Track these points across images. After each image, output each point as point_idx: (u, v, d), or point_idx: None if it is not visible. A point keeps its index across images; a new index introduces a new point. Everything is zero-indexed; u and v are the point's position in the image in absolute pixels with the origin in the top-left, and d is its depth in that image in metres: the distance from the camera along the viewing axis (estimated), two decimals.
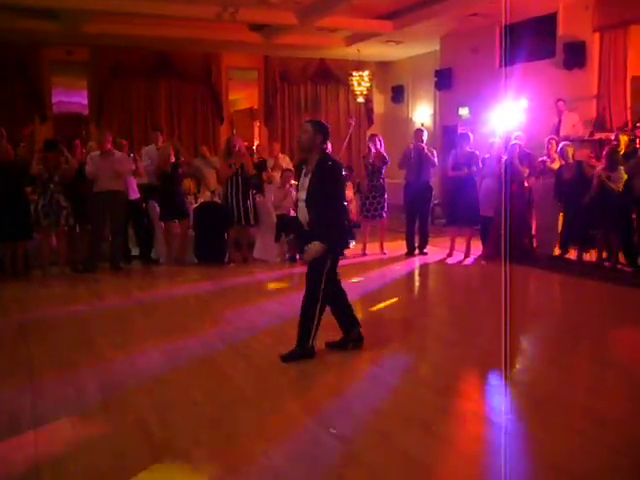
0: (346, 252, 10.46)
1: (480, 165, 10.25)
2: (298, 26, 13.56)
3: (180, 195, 10.26)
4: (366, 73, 16.12)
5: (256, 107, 18.48)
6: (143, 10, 12.16)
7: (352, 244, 10.36)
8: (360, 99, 16.72)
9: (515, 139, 10.12)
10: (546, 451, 3.79)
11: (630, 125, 10.82)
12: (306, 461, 3.73)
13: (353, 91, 16.56)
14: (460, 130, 12.94)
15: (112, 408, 4.57)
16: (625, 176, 8.99)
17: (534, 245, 10.19)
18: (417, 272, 9.95)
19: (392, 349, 5.92)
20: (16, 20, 12.54)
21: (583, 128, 11.43)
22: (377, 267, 10.00)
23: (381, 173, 10.61)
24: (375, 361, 5.52)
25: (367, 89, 16.47)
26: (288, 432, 4.15)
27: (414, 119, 17.34)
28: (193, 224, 10.29)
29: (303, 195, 5.39)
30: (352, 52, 16.00)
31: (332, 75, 17.74)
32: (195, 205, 10.63)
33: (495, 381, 5.05)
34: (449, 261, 10.28)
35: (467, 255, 10.37)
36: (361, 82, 16.15)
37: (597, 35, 11.76)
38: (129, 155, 10.27)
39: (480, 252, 10.38)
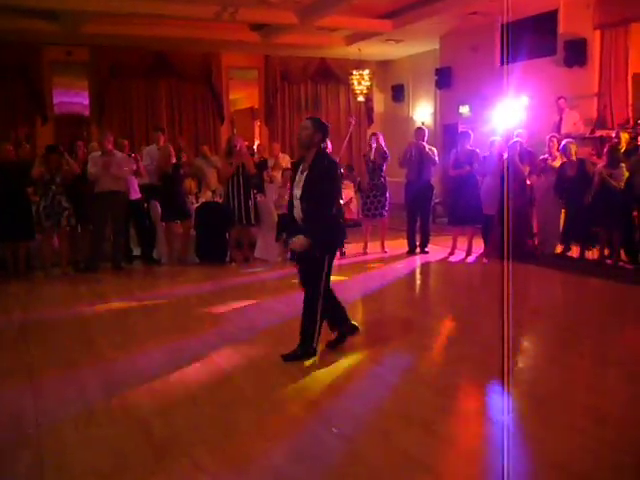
0: (347, 251, 10.61)
1: (481, 163, 10.24)
2: (298, 25, 13.54)
3: (182, 195, 10.27)
4: (366, 72, 16.11)
5: (256, 107, 18.47)
6: (143, 10, 12.15)
7: (345, 247, 10.37)
8: (360, 98, 16.70)
9: (516, 136, 10.10)
10: (547, 450, 3.78)
11: (631, 122, 10.81)
12: (307, 460, 3.73)
13: (353, 90, 16.54)
14: (461, 128, 12.92)
15: (113, 408, 4.57)
16: (626, 173, 8.98)
17: (536, 243, 10.18)
18: (418, 271, 9.95)
19: (393, 348, 5.92)
20: (16, 21, 12.53)
21: (584, 126, 11.42)
22: (378, 266, 10.00)
23: (382, 171, 10.60)
24: (376, 360, 5.52)
25: (367, 88, 16.45)
26: (289, 431, 4.15)
27: (414, 118, 17.33)
28: (194, 224, 10.30)
29: (298, 192, 5.39)
30: (352, 51, 15.99)
31: (332, 74, 17.73)
32: (196, 205, 10.63)
33: (496, 380, 5.04)
34: (450, 260, 10.27)
35: (469, 254, 10.36)
36: (361, 81, 16.13)
37: (598, 33, 11.74)
38: (130, 155, 10.27)
39: (482, 250, 10.37)
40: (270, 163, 11.77)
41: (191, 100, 16.46)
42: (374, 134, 10.99)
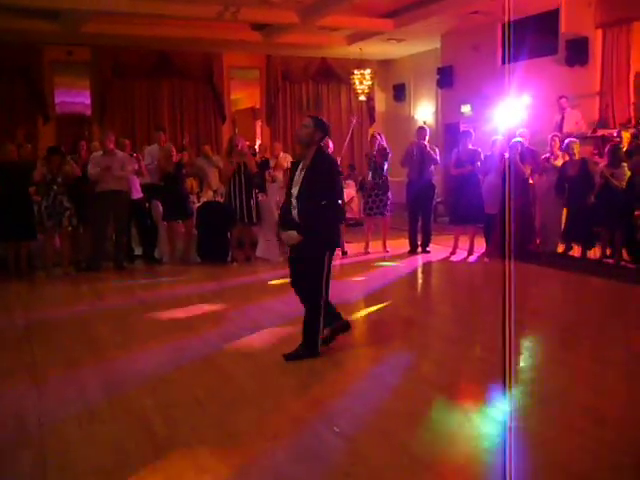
0: (348, 250, 10.62)
1: (482, 162, 10.24)
2: (299, 25, 13.56)
3: (183, 195, 10.27)
4: (367, 71, 16.12)
5: (258, 106, 18.48)
6: (144, 10, 12.16)
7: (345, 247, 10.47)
8: (362, 98, 16.71)
9: (519, 136, 10.10)
10: (547, 450, 3.78)
11: (633, 122, 10.80)
12: (308, 460, 3.73)
13: (355, 90, 16.55)
14: (462, 128, 12.92)
15: (116, 407, 4.58)
16: (628, 173, 8.97)
17: (537, 242, 10.18)
18: (420, 270, 9.94)
19: (395, 347, 5.92)
20: (17, 21, 12.56)
21: (586, 125, 11.41)
22: (380, 265, 10.00)
23: (383, 170, 10.59)
24: (378, 359, 5.52)
25: (369, 87, 16.46)
26: (291, 431, 4.15)
27: (416, 117, 17.33)
28: (196, 223, 10.30)
29: (296, 191, 5.37)
30: (353, 51, 15.99)
31: (334, 74, 17.74)
32: (198, 204, 10.64)
33: (497, 379, 5.04)
34: (452, 259, 10.27)
35: (470, 253, 10.36)
36: (363, 80, 16.14)
37: (600, 32, 11.74)
38: (132, 155, 10.27)
39: (483, 250, 10.38)
40: (272, 163, 11.76)
41: (193, 100, 16.47)
42: (377, 134, 10.97)
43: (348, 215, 11.49)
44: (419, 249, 10.74)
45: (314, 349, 5.45)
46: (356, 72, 16.12)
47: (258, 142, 17.16)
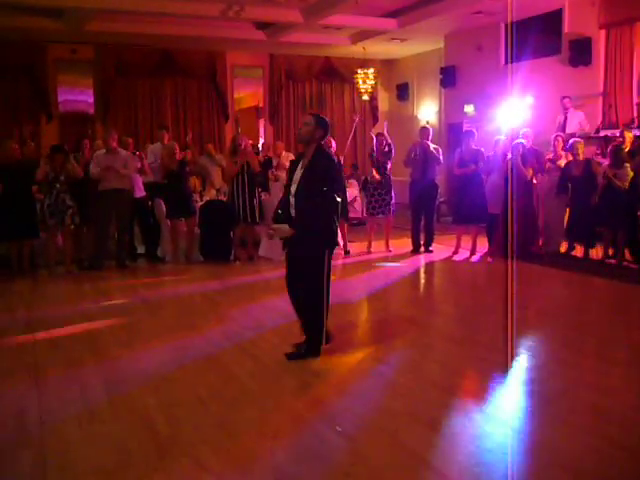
0: (351, 250, 10.63)
1: (485, 162, 10.24)
2: (303, 24, 13.56)
3: (187, 193, 10.28)
4: (371, 71, 16.11)
5: (261, 105, 18.48)
6: (148, 8, 12.16)
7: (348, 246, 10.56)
8: (365, 97, 16.70)
9: (522, 136, 10.08)
10: (553, 449, 3.78)
11: (636, 122, 10.79)
12: (311, 459, 3.73)
13: (358, 89, 16.54)
14: (465, 127, 12.92)
15: (118, 406, 4.58)
16: (631, 173, 8.96)
17: (540, 242, 10.17)
18: (422, 270, 9.93)
19: (397, 347, 5.91)
20: (21, 19, 12.57)
21: (589, 125, 11.40)
22: (382, 265, 9.99)
23: (386, 169, 10.59)
24: (380, 359, 5.52)
25: (372, 87, 16.46)
26: (293, 430, 4.15)
27: (419, 117, 17.33)
28: (199, 222, 10.31)
29: (294, 188, 5.36)
30: (357, 50, 15.98)
31: (337, 73, 17.74)
32: (201, 203, 10.64)
33: (501, 379, 5.04)
34: (455, 259, 10.27)
35: (473, 253, 10.35)
36: (366, 80, 16.13)
37: (603, 32, 11.73)
38: (134, 153, 10.28)
39: (486, 249, 10.38)
40: (274, 162, 11.77)
41: (196, 98, 16.47)
42: (378, 134, 10.97)
43: (351, 215, 11.48)
44: (422, 249, 10.73)
45: (317, 349, 5.45)
46: (359, 71, 16.12)
47: (261, 141, 17.18)
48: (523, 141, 9.83)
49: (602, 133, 11.06)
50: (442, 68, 15.55)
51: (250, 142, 11.21)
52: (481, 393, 4.76)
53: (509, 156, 9.67)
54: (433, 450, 3.83)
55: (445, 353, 5.79)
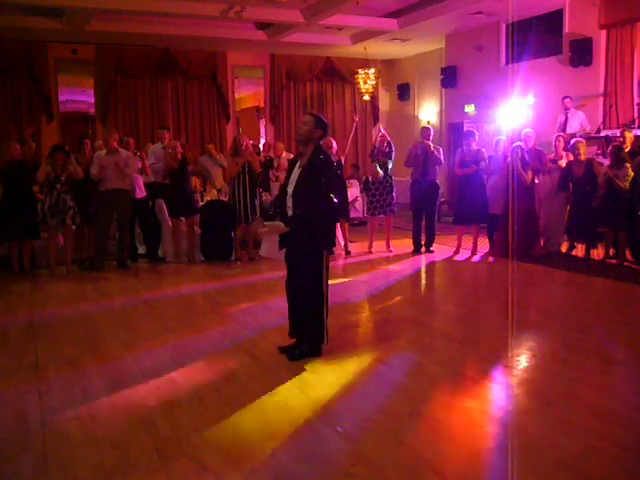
0: (352, 250, 10.63)
1: (486, 162, 10.24)
2: (304, 24, 13.55)
3: (189, 192, 10.29)
4: (372, 71, 16.10)
5: (262, 105, 18.47)
6: (149, 8, 12.16)
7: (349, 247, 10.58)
8: (366, 97, 16.70)
9: (523, 136, 10.08)
10: (553, 449, 3.78)
11: (637, 122, 10.79)
12: (312, 460, 3.73)
13: (359, 89, 16.53)
14: (466, 128, 12.92)
15: (118, 406, 4.58)
16: (632, 173, 8.96)
17: (541, 243, 10.17)
18: (423, 270, 9.93)
19: (399, 347, 5.91)
20: (21, 19, 12.57)
21: (589, 125, 11.40)
22: (383, 265, 10.00)
23: (387, 169, 10.59)
24: (381, 359, 5.52)
25: (373, 87, 16.45)
26: (294, 430, 4.14)
27: (420, 117, 17.33)
28: (200, 222, 10.32)
29: (291, 189, 5.34)
30: (358, 50, 15.97)
31: (338, 73, 17.73)
32: (202, 203, 10.65)
33: (503, 379, 5.04)
34: (456, 259, 10.27)
35: (474, 253, 10.35)
36: (367, 80, 16.12)
37: (604, 32, 11.73)
38: (135, 153, 10.28)
39: (487, 249, 10.38)
40: (275, 163, 11.77)
41: (197, 99, 16.46)
42: (380, 135, 10.97)
43: (352, 215, 11.48)
44: (423, 249, 10.73)
45: (317, 348, 5.45)
46: (360, 72, 16.10)
47: (262, 141, 17.18)
48: (522, 144, 9.82)
49: (603, 133, 11.06)
50: (443, 68, 15.56)
51: (251, 142, 11.22)
52: (483, 393, 4.76)
53: (509, 159, 9.67)
54: (435, 451, 3.82)
55: (446, 353, 5.78)
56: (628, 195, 8.93)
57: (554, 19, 12.54)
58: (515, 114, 11.12)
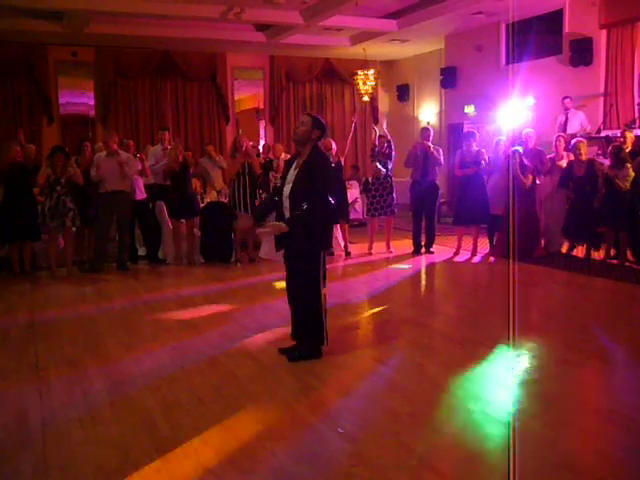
0: (352, 251, 10.63)
1: (487, 163, 10.24)
2: (303, 26, 13.56)
3: (191, 193, 10.29)
4: (371, 72, 16.08)
5: (262, 107, 18.48)
6: (148, 10, 12.17)
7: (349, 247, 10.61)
8: (366, 98, 16.68)
9: (524, 136, 10.07)
10: (557, 450, 3.77)
11: (638, 122, 10.78)
12: (312, 460, 3.73)
13: (358, 90, 16.52)
14: (466, 128, 12.92)
15: (119, 407, 4.58)
16: (632, 174, 8.95)
17: (542, 243, 10.16)
18: (424, 270, 9.93)
19: (399, 347, 5.91)
20: (21, 21, 12.59)
21: (590, 125, 11.40)
22: (383, 266, 9.99)
23: (387, 169, 10.59)
24: (381, 360, 5.51)
25: (372, 88, 16.43)
26: (294, 431, 4.14)
27: (420, 118, 17.33)
28: (200, 224, 10.32)
29: (288, 189, 5.32)
30: (357, 51, 15.98)
31: (337, 74, 17.74)
32: (202, 205, 10.65)
33: (503, 379, 5.03)
34: (456, 259, 10.26)
35: (474, 253, 10.35)
36: (366, 81, 16.09)
37: (604, 32, 11.73)
38: (135, 155, 10.28)
39: (487, 250, 10.37)
40: (275, 164, 11.76)
41: (196, 100, 16.47)
42: (381, 136, 10.97)
43: (352, 216, 11.48)
44: (423, 250, 10.73)
45: (317, 350, 5.45)
46: (360, 73, 16.09)
47: (262, 142, 17.17)
48: (519, 149, 9.79)
49: (603, 133, 11.05)
50: (442, 69, 15.56)
51: (251, 143, 11.21)
52: (484, 394, 4.75)
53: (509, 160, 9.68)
54: (435, 451, 3.82)
55: (446, 354, 5.78)
56: (629, 195, 8.92)
57: (554, 19, 12.54)
58: (515, 114, 11.11)
